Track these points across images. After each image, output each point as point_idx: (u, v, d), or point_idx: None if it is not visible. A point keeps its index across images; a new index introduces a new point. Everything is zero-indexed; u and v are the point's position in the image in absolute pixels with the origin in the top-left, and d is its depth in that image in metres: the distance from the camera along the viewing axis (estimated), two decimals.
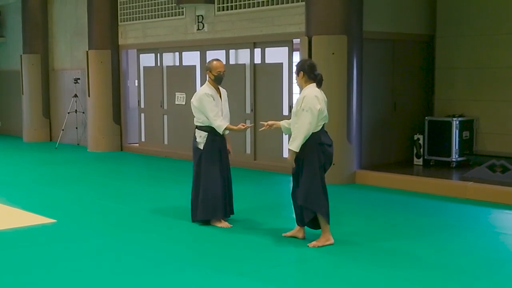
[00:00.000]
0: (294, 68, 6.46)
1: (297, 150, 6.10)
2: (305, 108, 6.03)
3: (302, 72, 6.25)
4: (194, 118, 7.03)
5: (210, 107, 6.88)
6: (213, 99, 6.92)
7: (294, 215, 6.56)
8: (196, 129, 7.06)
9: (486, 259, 5.81)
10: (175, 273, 5.44)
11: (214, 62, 7.03)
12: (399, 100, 10.65)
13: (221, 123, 6.90)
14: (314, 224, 6.33)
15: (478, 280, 5.25)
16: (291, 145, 6.14)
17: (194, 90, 12.44)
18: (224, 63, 11.77)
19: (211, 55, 12.19)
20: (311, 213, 6.20)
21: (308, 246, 6.15)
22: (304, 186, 6.18)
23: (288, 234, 6.56)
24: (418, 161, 10.31)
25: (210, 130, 6.96)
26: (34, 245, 6.40)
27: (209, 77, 7.05)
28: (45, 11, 16.09)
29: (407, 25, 10.65)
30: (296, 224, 6.51)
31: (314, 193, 6.15)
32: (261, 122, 6.83)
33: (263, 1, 10.99)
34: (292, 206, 6.53)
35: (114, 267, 5.63)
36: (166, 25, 12.93)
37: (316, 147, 6.12)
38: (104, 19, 13.86)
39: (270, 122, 6.65)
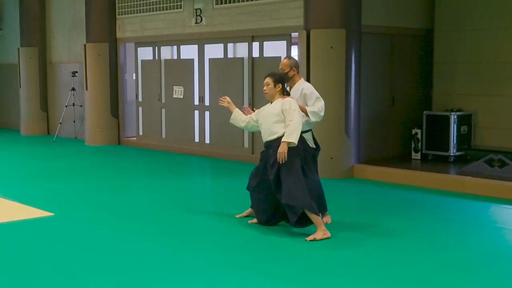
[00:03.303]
0: (273, 77, 6.46)
1: (296, 142, 6.22)
2: (296, 108, 6.30)
3: (280, 85, 6.45)
4: None
5: None
6: None
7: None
8: None
9: (484, 253, 5.81)
10: (173, 267, 5.43)
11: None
12: (397, 94, 10.64)
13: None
14: (302, 223, 6.31)
15: (477, 274, 5.25)
16: (289, 138, 6.22)
17: (192, 84, 12.46)
18: (222, 56, 11.84)
19: (209, 48, 12.19)
20: (298, 210, 6.19)
21: (306, 240, 6.15)
22: (285, 184, 6.24)
23: (244, 214, 6.93)
24: (416, 156, 10.31)
25: None
26: (31, 238, 6.40)
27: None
28: (43, 4, 16.04)
29: (406, 19, 10.63)
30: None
31: (296, 189, 6.20)
32: (244, 107, 6.95)
33: None
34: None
35: (111, 260, 5.62)
36: (164, 19, 12.89)
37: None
38: (102, 12, 13.83)
39: (228, 100, 6.82)
